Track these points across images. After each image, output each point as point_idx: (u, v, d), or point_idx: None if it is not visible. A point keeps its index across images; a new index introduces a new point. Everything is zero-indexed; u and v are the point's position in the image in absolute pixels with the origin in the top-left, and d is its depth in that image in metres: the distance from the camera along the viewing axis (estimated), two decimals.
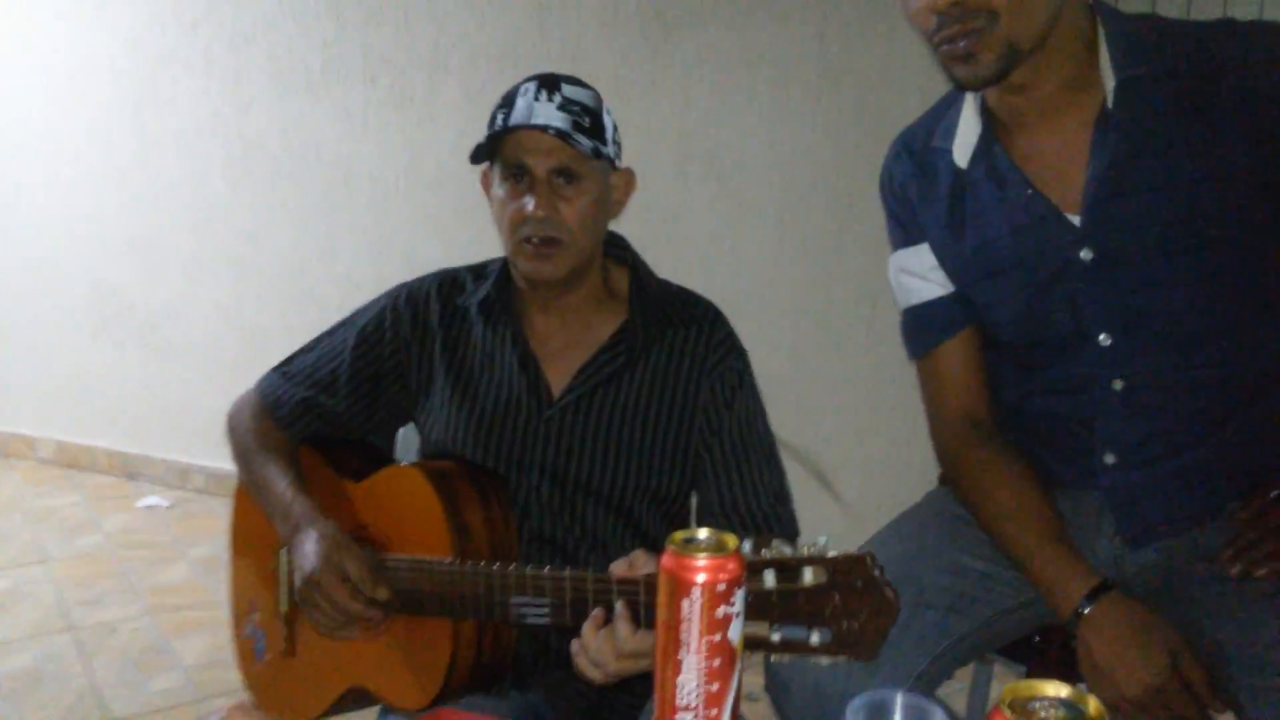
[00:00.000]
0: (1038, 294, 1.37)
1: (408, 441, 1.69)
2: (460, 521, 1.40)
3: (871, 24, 2.68)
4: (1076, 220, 1.32)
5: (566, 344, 1.50)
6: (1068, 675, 1.27)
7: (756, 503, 1.46)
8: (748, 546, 1.04)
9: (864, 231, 2.74)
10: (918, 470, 2.75)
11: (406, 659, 1.43)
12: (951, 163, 1.41)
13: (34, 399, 4.10)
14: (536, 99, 1.41)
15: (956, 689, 1.54)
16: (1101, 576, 1.31)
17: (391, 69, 3.31)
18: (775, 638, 1.02)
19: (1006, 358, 1.46)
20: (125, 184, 3.79)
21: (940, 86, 2.50)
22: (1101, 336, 1.33)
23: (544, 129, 1.38)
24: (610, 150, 1.46)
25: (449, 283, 1.59)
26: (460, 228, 3.26)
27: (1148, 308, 1.31)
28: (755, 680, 1.31)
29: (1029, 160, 1.36)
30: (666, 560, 0.88)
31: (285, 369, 1.63)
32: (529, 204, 1.40)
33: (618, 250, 1.56)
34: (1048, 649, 1.48)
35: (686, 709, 0.87)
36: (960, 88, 1.33)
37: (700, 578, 0.86)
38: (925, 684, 1.31)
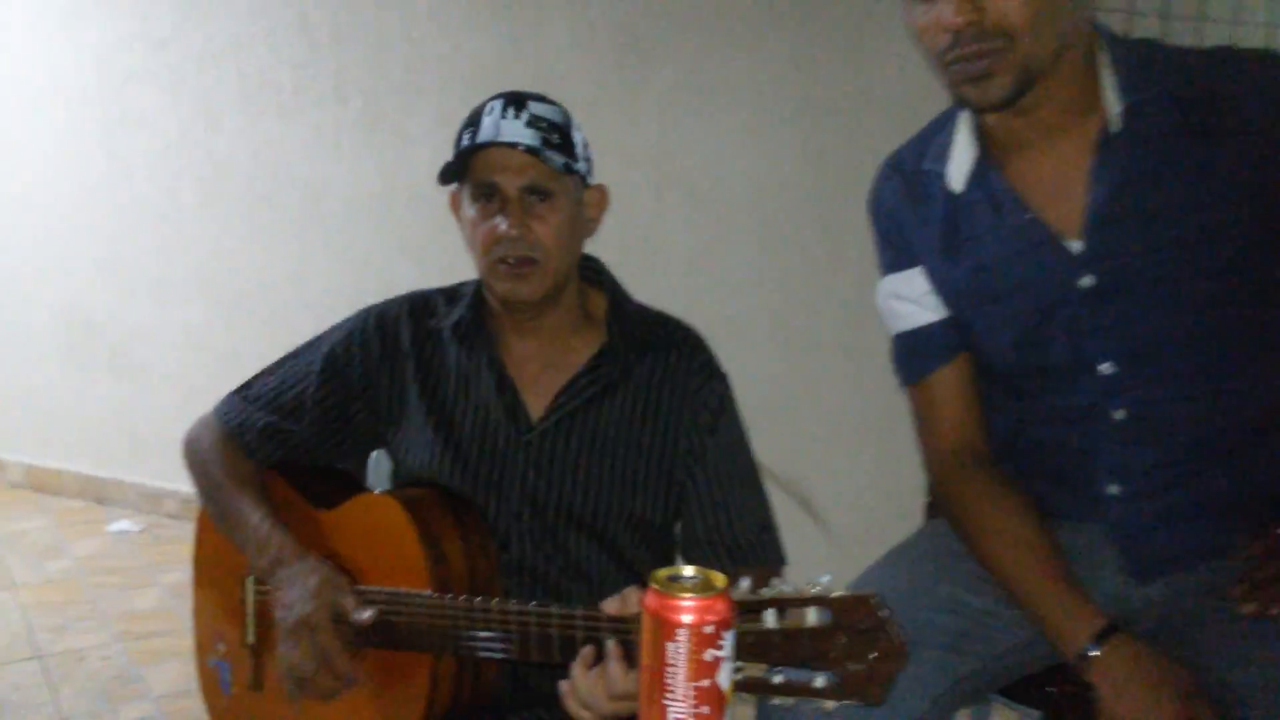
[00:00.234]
0: (1036, 321, 1.33)
1: (379, 467, 1.64)
2: (437, 551, 1.36)
3: (850, 48, 2.66)
4: (1076, 246, 1.29)
5: (544, 367, 1.47)
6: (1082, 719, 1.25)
7: (741, 531, 1.43)
8: (746, 584, 1.01)
9: (847, 255, 2.72)
10: (906, 498, 2.72)
11: (381, 697, 1.39)
12: (945, 186, 1.37)
13: (2, 422, 4.00)
14: (504, 116, 1.38)
15: None
16: (1109, 617, 1.26)
17: (363, 90, 3.26)
18: (776, 680, 0.99)
19: (1002, 385, 1.42)
20: (94, 205, 3.71)
21: (921, 108, 2.49)
22: (1103, 365, 1.30)
23: (513, 146, 1.36)
24: (581, 166, 1.43)
25: (420, 305, 1.54)
26: (435, 249, 3.18)
27: (1150, 336, 1.28)
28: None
29: (1027, 184, 1.33)
30: (650, 600, 0.84)
31: (246, 392, 1.57)
32: (501, 224, 1.37)
33: (593, 274, 1.53)
34: (1060, 692, 1.43)
35: None
36: (970, 110, 1.31)
37: (686, 618, 0.82)
38: None
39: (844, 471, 2.80)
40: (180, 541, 3.52)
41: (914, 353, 1.45)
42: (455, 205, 1.47)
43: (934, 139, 1.42)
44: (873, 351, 2.79)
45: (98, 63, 3.62)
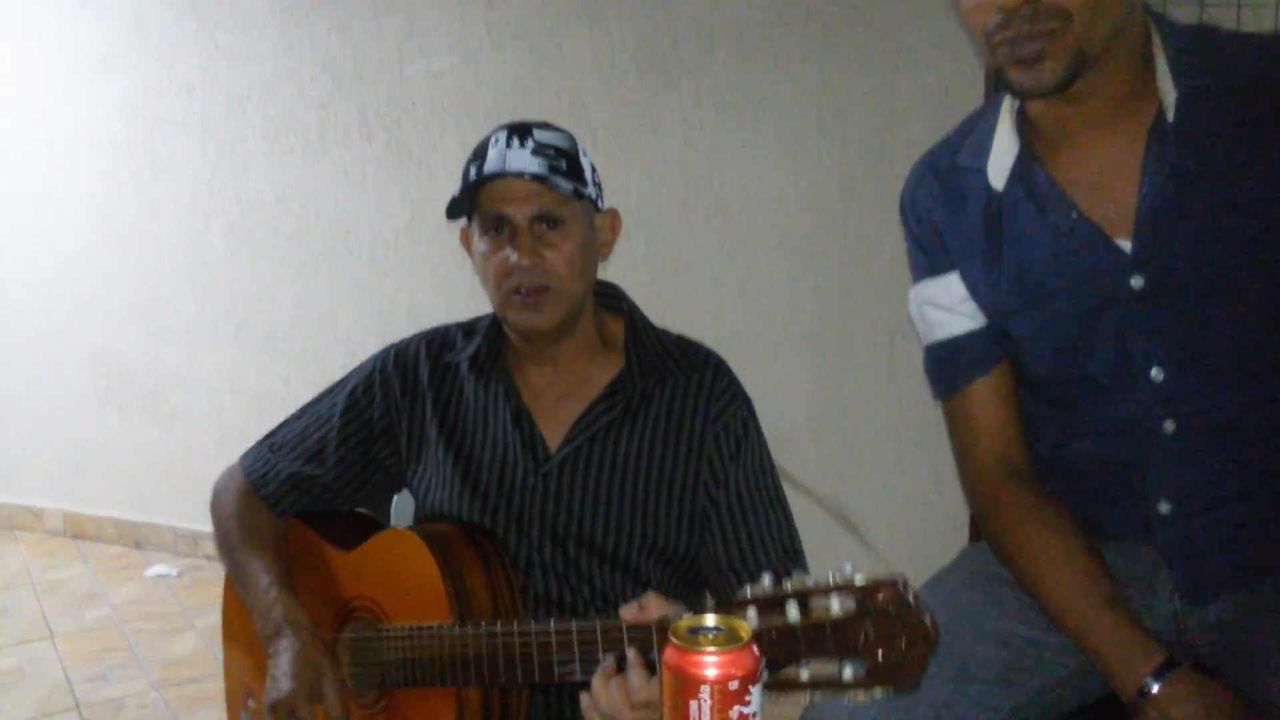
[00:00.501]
0: (1081, 326, 1.24)
1: (402, 509, 1.60)
2: (461, 586, 1.32)
3: (874, 61, 2.60)
4: (1127, 245, 1.20)
5: (561, 397, 1.44)
6: None
7: (766, 559, 1.38)
8: (768, 581, 0.97)
9: (876, 268, 2.66)
10: (947, 511, 2.66)
11: None
12: (985, 184, 1.29)
13: (40, 470, 4.00)
14: (509, 146, 1.35)
15: None
16: (1167, 650, 1.16)
17: (388, 126, 3.24)
18: (804, 675, 0.93)
19: (1043, 397, 1.33)
20: (125, 251, 3.72)
21: (951, 120, 2.42)
22: (1153, 372, 1.21)
23: (519, 175, 1.33)
24: (591, 191, 1.40)
25: (438, 341, 1.52)
26: (463, 282, 3.17)
27: (1203, 341, 1.18)
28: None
29: (1073, 180, 1.23)
30: (670, 655, 0.78)
31: (271, 441, 1.55)
32: (513, 255, 1.34)
33: (612, 300, 1.50)
34: None
35: None
36: (1016, 96, 1.22)
37: (710, 673, 0.76)
38: None
39: (884, 487, 2.71)
40: (217, 584, 3.41)
41: (950, 364, 1.36)
42: (466, 241, 1.45)
43: (970, 134, 1.33)
44: (908, 365, 2.77)
45: (126, 110, 3.64)
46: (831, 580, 0.93)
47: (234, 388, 3.62)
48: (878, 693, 0.92)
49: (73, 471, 3.94)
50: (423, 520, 1.49)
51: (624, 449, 1.40)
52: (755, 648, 0.79)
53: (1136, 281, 1.20)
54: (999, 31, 1.13)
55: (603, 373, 1.43)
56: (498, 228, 1.35)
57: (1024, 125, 1.27)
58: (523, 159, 1.34)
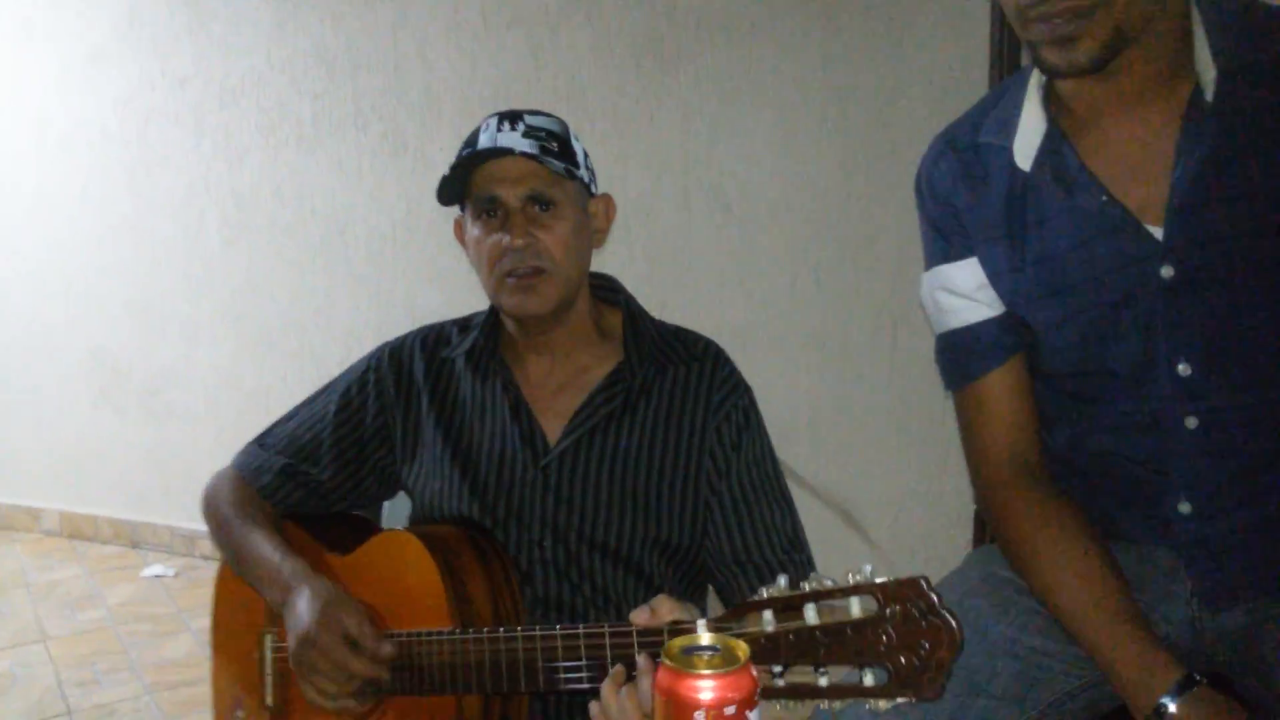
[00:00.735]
0: (1106, 316, 1.17)
1: (394, 514, 1.55)
2: (460, 589, 1.27)
3: (877, 44, 2.53)
4: (1158, 232, 1.12)
5: (559, 388, 1.41)
6: None
7: (771, 551, 1.34)
8: (783, 581, 0.92)
9: (879, 257, 2.58)
10: (950, 506, 2.59)
11: None
12: (1009, 163, 1.21)
13: (36, 469, 3.95)
14: (499, 129, 1.34)
15: None
16: (1184, 668, 1.09)
17: (383, 116, 3.18)
18: (822, 682, 0.89)
19: (1059, 390, 1.26)
20: (120, 247, 3.67)
21: (957, 106, 2.32)
22: (1180, 366, 1.13)
23: (509, 151, 1.30)
24: (583, 174, 1.37)
25: (433, 336, 1.49)
26: (461, 275, 3.10)
27: (1233, 334, 1.11)
28: None
29: (1103, 161, 1.15)
30: (662, 677, 0.73)
31: (263, 440, 1.51)
32: (505, 236, 1.31)
33: (608, 291, 1.47)
34: None
35: None
36: (1049, 75, 1.14)
37: (705, 697, 0.71)
38: None
39: (886, 481, 2.64)
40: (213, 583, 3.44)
41: (963, 353, 1.28)
42: (460, 231, 1.42)
43: (993, 110, 1.25)
44: (910, 356, 2.70)
45: (119, 104, 3.58)
46: (850, 580, 0.88)
47: (231, 385, 3.56)
48: (901, 701, 0.87)
49: (69, 470, 3.89)
50: (420, 520, 1.45)
51: (624, 440, 1.36)
52: (753, 669, 0.73)
53: (1166, 271, 1.12)
54: (1034, 7, 1.06)
55: (601, 364, 1.40)
56: (490, 211, 1.33)
57: (1052, 103, 1.19)
58: (513, 139, 1.31)
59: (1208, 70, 1.09)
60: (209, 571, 3.42)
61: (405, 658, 1.25)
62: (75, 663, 2.89)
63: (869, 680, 0.88)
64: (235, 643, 1.48)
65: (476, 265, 1.37)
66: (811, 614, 0.90)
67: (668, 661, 0.73)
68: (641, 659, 1.03)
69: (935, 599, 0.86)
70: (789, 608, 0.90)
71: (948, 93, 2.45)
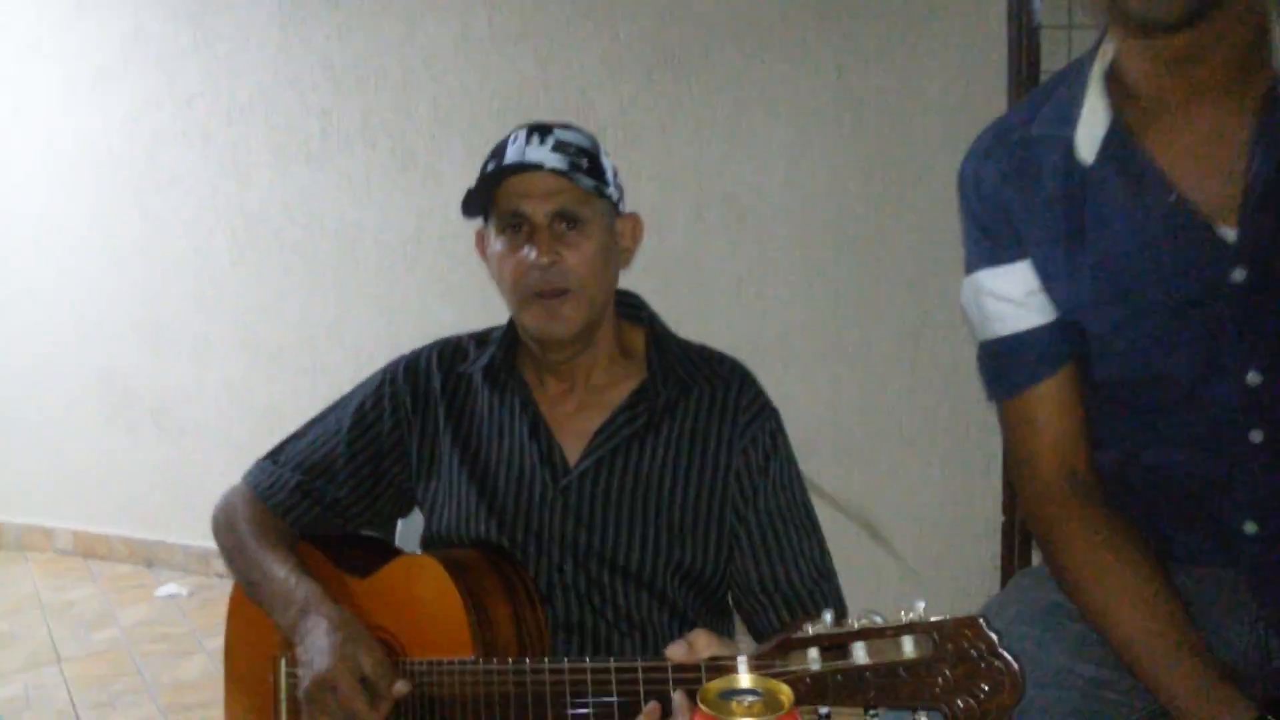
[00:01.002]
0: (1170, 321, 1.10)
1: (407, 533, 1.51)
2: (483, 615, 1.23)
3: (892, 53, 2.48)
4: (1230, 234, 1.05)
5: (580, 408, 1.36)
6: None
7: (799, 580, 1.30)
8: (829, 617, 0.86)
9: (898, 267, 2.54)
10: (976, 519, 2.53)
11: None
12: (1067, 158, 1.12)
13: (49, 489, 3.91)
14: (528, 143, 1.29)
15: None
16: (1254, 705, 1.02)
17: (392, 131, 3.14)
18: None
19: (1114, 401, 1.17)
20: (129, 267, 3.64)
21: (973, 114, 2.28)
22: (1250, 375, 1.06)
23: (539, 167, 1.26)
24: (613, 192, 1.33)
25: (450, 351, 1.44)
26: (473, 289, 3.07)
27: None
28: None
29: (1172, 157, 1.07)
30: None
31: (276, 457, 1.46)
32: (531, 253, 1.27)
33: (632, 309, 1.42)
34: None
35: None
36: (1134, 29, 1.05)
37: None
38: None
39: (911, 495, 2.59)
40: (228, 602, 3.40)
41: (1011, 362, 1.20)
42: (481, 244, 1.38)
43: (1048, 102, 1.16)
44: (934, 367, 2.65)
45: (126, 124, 3.55)
46: (903, 617, 0.83)
47: (242, 402, 3.53)
48: None
49: (82, 490, 3.85)
50: (432, 540, 1.40)
51: (647, 462, 1.32)
52: (799, 715, 0.69)
53: (1238, 274, 1.05)
54: None
55: (624, 383, 1.36)
56: (515, 226, 1.28)
57: (1115, 93, 1.11)
58: (542, 154, 1.27)
59: None
60: (224, 590, 3.37)
61: (426, 689, 1.21)
62: (89, 684, 2.84)
63: None
64: (249, 666, 1.44)
65: (499, 281, 1.32)
66: (861, 653, 0.85)
67: (704, 707, 0.69)
68: (678, 696, 0.98)
69: (995, 639, 0.81)
70: (836, 645, 0.86)
71: (964, 100, 2.41)
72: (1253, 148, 1.04)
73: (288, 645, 1.35)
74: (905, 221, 2.50)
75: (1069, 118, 1.12)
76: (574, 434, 1.35)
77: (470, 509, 1.35)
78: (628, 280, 1.42)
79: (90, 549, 3.83)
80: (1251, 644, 1.13)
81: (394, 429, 1.41)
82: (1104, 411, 1.20)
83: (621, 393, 1.35)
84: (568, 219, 1.27)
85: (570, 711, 1.10)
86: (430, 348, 1.45)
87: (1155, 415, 1.15)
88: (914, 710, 0.83)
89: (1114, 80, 1.11)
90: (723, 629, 1.37)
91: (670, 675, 1.01)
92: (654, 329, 1.39)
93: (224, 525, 1.44)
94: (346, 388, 1.49)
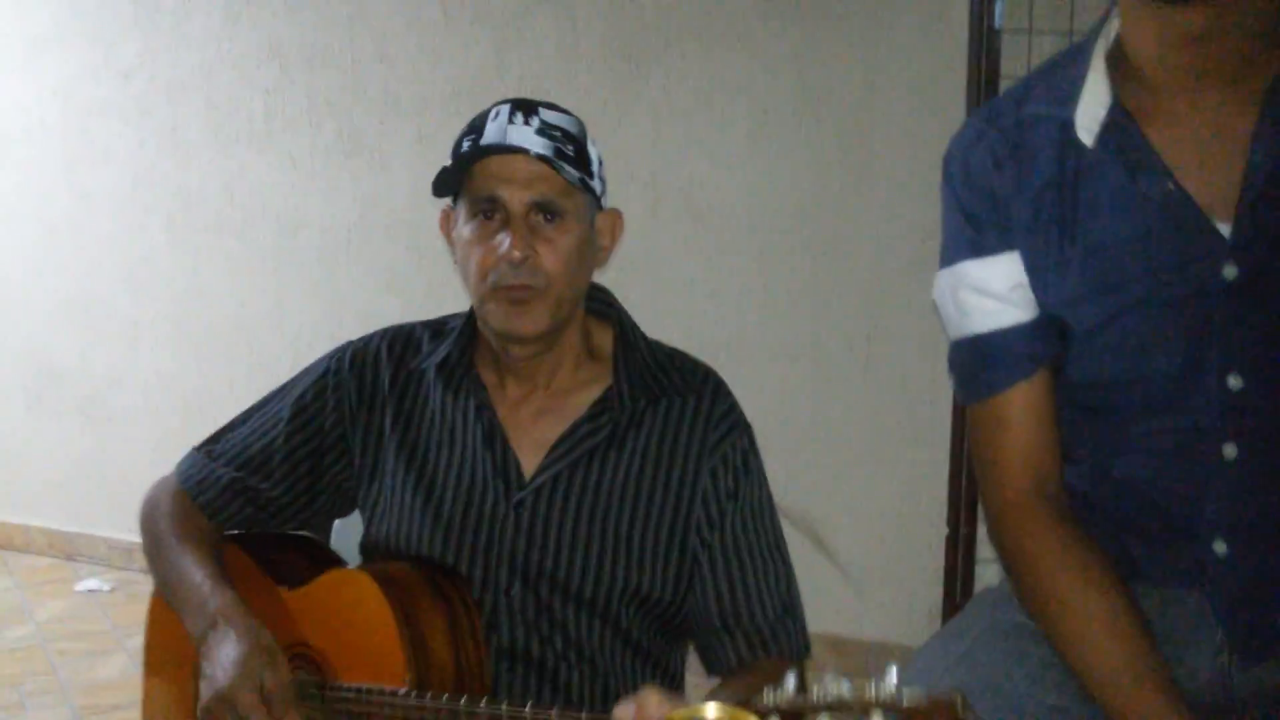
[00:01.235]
0: (1153, 318, 1.07)
1: (345, 533, 1.45)
2: (418, 638, 1.18)
3: (853, 51, 2.50)
4: (1226, 229, 1.03)
5: (539, 414, 1.29)
6: None
7: (762, 615, 1.24)
8: (792, 683, 0.81)
9: (852, 267, 2.55)
10: (923, 530, 2.54)
11: None
12: (1062, 139, 1.09)
13: None
14: (511, 121, 1.20)
15: None
16: None
17: (338, 113, 3.09)
18: None
19: (1084, 406, 1.15)
20: (58, 244, 3.55)
21: (934, 110, 2.29)
22: (1231, 378, 1.04)
23: (523, 151, 1.18)
24: (596, 184, 1.25)
25: (402, 341, 1.36)
26: (418, 280, 3.04)
27: None
28: None
29: (1171, 144, 1.04)
30: None
31: (210, 447, 1.39)
32: (503, 243, 1.19)
33: (601, 305, 1.35)
34: None
35: None
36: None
37: None
38: None
39: (857, 502, 2.61)
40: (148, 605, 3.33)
41: (987, 362, 1.16)
42: (446, 225, 1.30)
43: (1045, 82, 1.13)
44: (886, 372, 2.67)
45: (60, 95, 3.47)
46: (873, 694, 0.78)
47: (173, 391, 3.45)
48: None
49: (1, 478, 3.74)
50: (372, 548, 1.34)
51: (608, 478, 1.25)
52: None
53: (1230, 271, 1.02)
54: None
55: (587, 388, 1.29)
56: (487, 211, 1.21)
57: (1117, 75, 1.08)
58: (526, 136, 1.19)
59: None
60: (148, 587, 3.29)
61: (354, 716, 1.17)
62: (1, 685, 2.76)
63: None
64: (169, 672, 1.38)
65: (463, 269, 1.25)
66: None
67: None
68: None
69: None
70: (796, 715, 0.81)
71: (923, 103, 2.43)
72: (1254, 140, 1.02)
73: None
74: (861, 224, 2.52)
75: (1068, 97, 1.09)
76: (532, 443, 1.28)
77: (413, 519, 1.29)
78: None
79: (7, 540, 3.73)
80: (1215, 671, 1.11)
81: (336, 424, 1.34)
82: (1075, 419, 1.17)
83: (585, 399, 1.28)
84: (546, 210, 1.20)
85: None
86: (380, 336, 1.38)
87: (1129, 422, 1.12)
88: None
89: (1117, 61, 1.08)
90: (675, 657, 1.33)
91: None
92: (623, 330, 1.32)
93: (147, 520, 1.38)
94: (283, 379, 1.43)
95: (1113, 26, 1.10)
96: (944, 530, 2.23)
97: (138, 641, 2.91)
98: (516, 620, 1.24)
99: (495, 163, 1.20)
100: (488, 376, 1.31)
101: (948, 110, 2.35)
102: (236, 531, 1.39)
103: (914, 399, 2.49)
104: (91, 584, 3.42)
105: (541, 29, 2.78)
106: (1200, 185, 1.04)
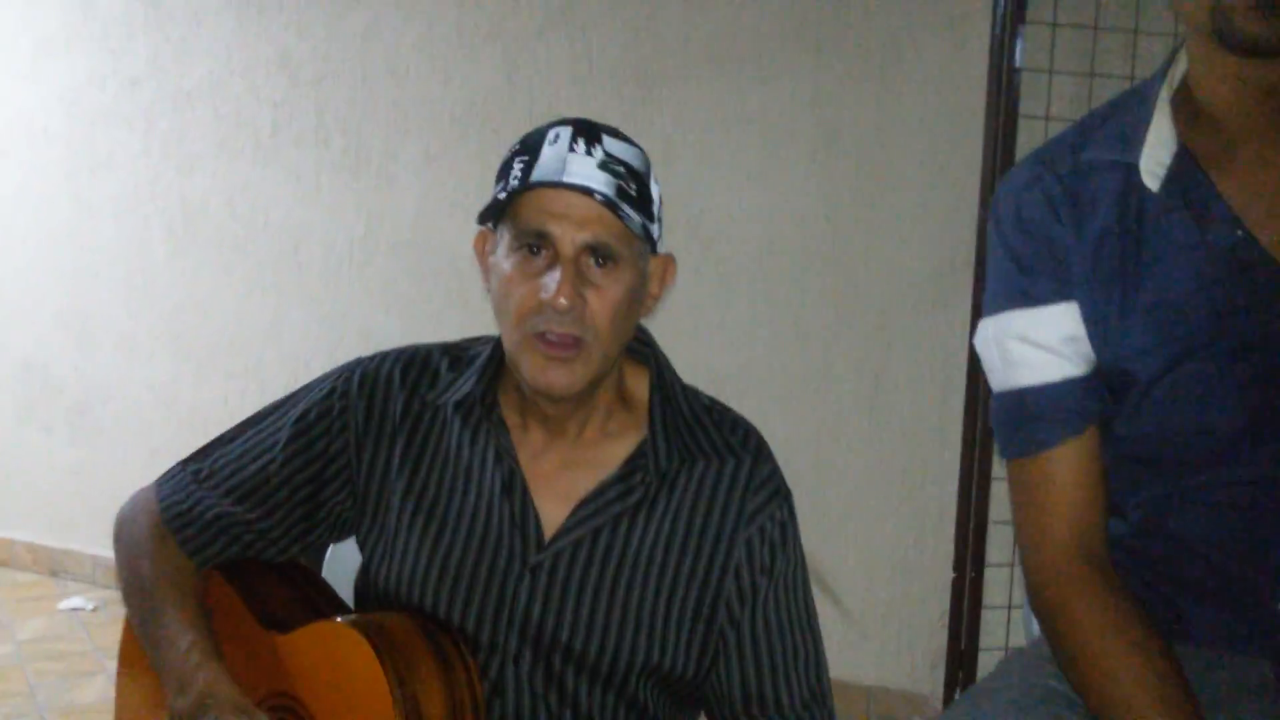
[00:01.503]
0: (1217, 367, 1.06)
1: (337, 564, 1.41)
2: (412, 704, 1.12)
3: (870, 85, 2.54)
4: None
5: (565, 465, 1.22)
6: None
7: (789, 701, 1.20)
8: None
9: (865, 306, 2.57)
10: (929, 574, 2.56)
11: None
12: (1125, 186, 1.09)
13: None
14: (572, 149, 1.12)
15: None
16: None
17: (346, 129, 3.14)
18: None
19: (1137, 458, 1.13)
20: (56, 253, 3.59)
21: (950, 145, 2.33)
22: None
23: (585, 192, 1.09)
24: (655, 228, 1.17)
25: (417, 367, 1.27)
26: (421, 301, 3.08)
27: None
28: None
29: (1238, 191, 1.05)
30: None
31: (198, 467, 1.28)
32: (549, 286, 1.10)
33: (636, 345, 1.26)
34: None
35: None
36: (1243, 50, 1.02)
37: None
38: None
39: (861, 546, 2.62)
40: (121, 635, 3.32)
41: (1034, 417, 1.14)
42: (482, 247, 1.22)
43: (1104, 126, 1.12)
44: (894, 413, 2.69)
45: (66, 102, 3.53)
46: None
47: (167, 406, 3.49)
48: None
49: None
50: (368, 589, 1.27)
51: (635, 543, 1.19)
52: None
53: None
54: None
55: (619, 441, 1.22)
56: (534, 247, 1.12)
57: (1182, 118, 1.09)
58: (587, 170, 1.11)
59: None
60: None
61: None
62: None
63: None
64: (142, 709, 1.32)
65: (498, 304, 1.17)
66: None
67: None
68: None
69: None
70: None
71: (939, 139, 2.47)
72: None
73: None
74: (873, 260, 2.55)
75: (1132, 142, 1.08)
76: (555, 496, 1.21)
77: (417, 567, 1.21)
78: None
79: None
80: None
81: (341, 450, 1.26)
82: (1126, 472, 1.15)
83: (616, 452, 1.21)
84: (600, 254, 1.12)
85: None
86: (393, 358, 1.29)
87: (1188, 475, 1.10)
88: None
89: (1181, 104, 1.09)
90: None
91: None
92: (660, 376, 1.24)
93: (124, 548, 1.29)
94: (279, 396, 1.38)
95: (1178, 69, 1.10)
96: (950, 574, 2.24)
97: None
98: (524, 690, 1.18)
99: (550, 194, 1.12)
100: (510, 417, 1.23)
101: (964, 148, 2.38)
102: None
103: (923, 439, 2.51)
104: (75, 602, 3.44)
105: (555, 50, 2.83)
106: (1269, 232, 1.04)
